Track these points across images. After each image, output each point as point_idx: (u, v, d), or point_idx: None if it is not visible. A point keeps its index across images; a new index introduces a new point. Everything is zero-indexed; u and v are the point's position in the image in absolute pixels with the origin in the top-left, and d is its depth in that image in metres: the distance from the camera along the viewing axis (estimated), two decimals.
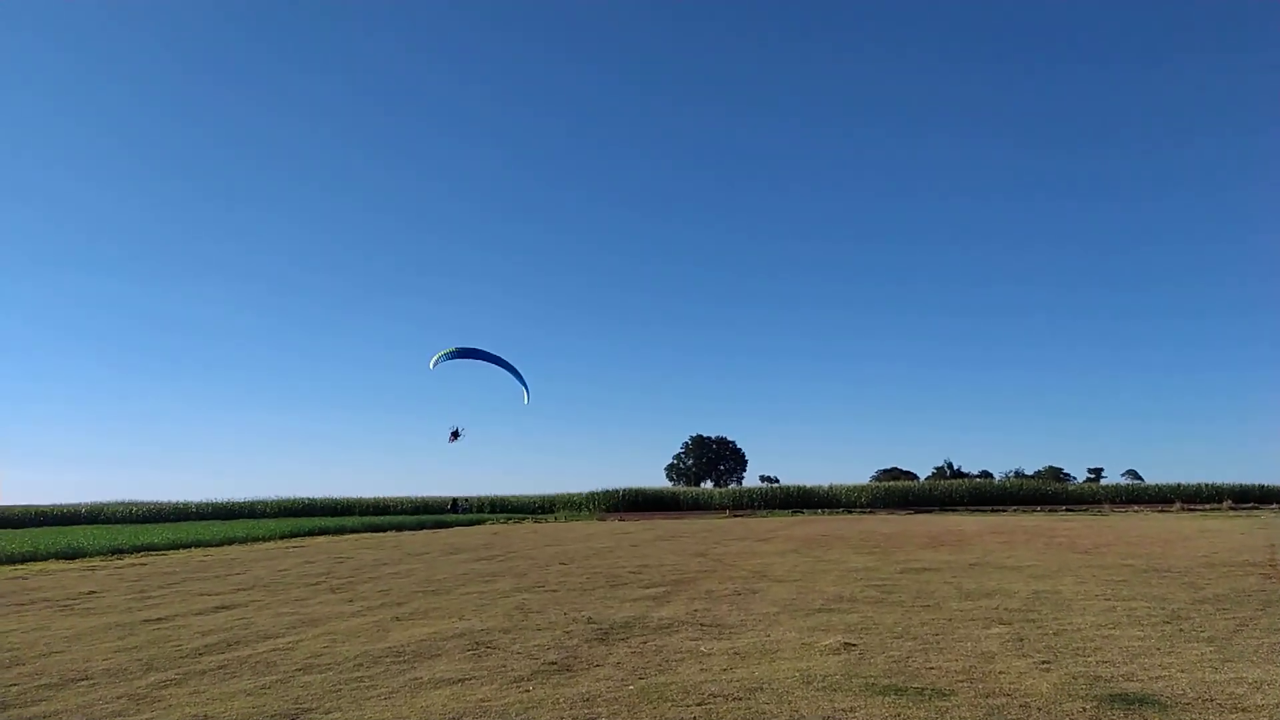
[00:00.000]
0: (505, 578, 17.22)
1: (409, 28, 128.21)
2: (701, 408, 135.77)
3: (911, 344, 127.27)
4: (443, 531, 40.59)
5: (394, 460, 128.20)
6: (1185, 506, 54.22)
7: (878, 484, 75.87)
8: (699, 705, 6.94)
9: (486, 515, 60.66)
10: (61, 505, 74.46)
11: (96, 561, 23.89)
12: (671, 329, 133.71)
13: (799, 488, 70.88)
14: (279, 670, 8.65)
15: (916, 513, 53.99)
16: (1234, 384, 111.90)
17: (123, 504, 74.12)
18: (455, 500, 72.25)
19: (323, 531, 38.46)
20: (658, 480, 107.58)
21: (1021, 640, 9.39)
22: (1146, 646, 8.94)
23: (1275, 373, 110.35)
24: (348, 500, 75.29)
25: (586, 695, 7.34)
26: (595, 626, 10.84)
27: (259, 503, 73.29)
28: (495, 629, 10.85)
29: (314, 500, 74.50)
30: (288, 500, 74.06)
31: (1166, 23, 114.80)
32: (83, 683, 8.32)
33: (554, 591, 14.71)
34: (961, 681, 7.52)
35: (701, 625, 10.82)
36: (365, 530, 40.97)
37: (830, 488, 69.83)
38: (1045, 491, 68.21)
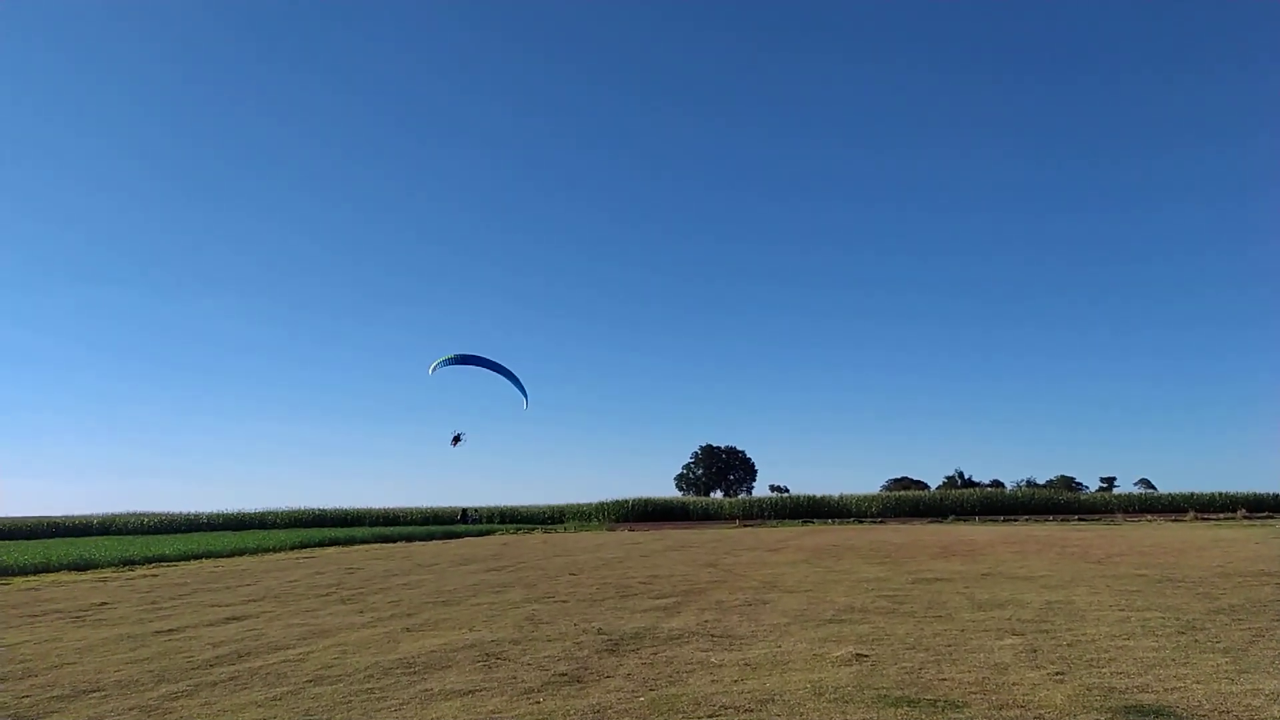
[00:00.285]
0: (515, 588, 17.20)
1: (412, 40, 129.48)
2: (711, 417, 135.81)
3: (922, 353, 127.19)
4: (453, 542, 40.60)
5: (404, 471, 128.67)
6: (1199, 516, 53.82)
7: (888, 494, 75.40)
8: (710, 717, 6.91)
9: (496, 526, 60.67)
10: (73, 516, 74.82)
11: (108, 573, 23.97)
12: (681, 339, 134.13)
13: (809, 497, 70.68)
14: (290, 682, 8.66)
15: (928, 523, 53.72)
16: (1247, 392, 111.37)
17: (134, 515, 74.45)
18: (465, 511, 72.23)
19: (333, 542, 38.53)
20: (667, 490, 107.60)
21: (1035, 651, 9.32)
22: (1161, 657, 8.86)
23: None
24: (358, 511, 75.45)
25: (597, 707, 7.32)
26: (606, 637, 10.82)
27: (270, 514, 73.52)
28: (505, 640, 10.83)
29: (324, 511, 74.68)
30: (298, 511, 74.25)
31: (1173, 31, 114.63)
32: (94, 694, 8.34)
33: (564, 602, 14.69)
34: (974, 693, 7.46)
35: (712, 636, 10.77)
36: (375, 541, 41.00)
37: (840, 497, 69.65)
38: (1057, 501, 67.79)
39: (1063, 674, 8.16)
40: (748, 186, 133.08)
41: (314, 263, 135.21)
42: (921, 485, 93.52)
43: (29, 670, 9.63)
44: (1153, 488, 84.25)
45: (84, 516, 74.77)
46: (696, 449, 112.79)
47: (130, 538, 51.91)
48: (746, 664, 8.95)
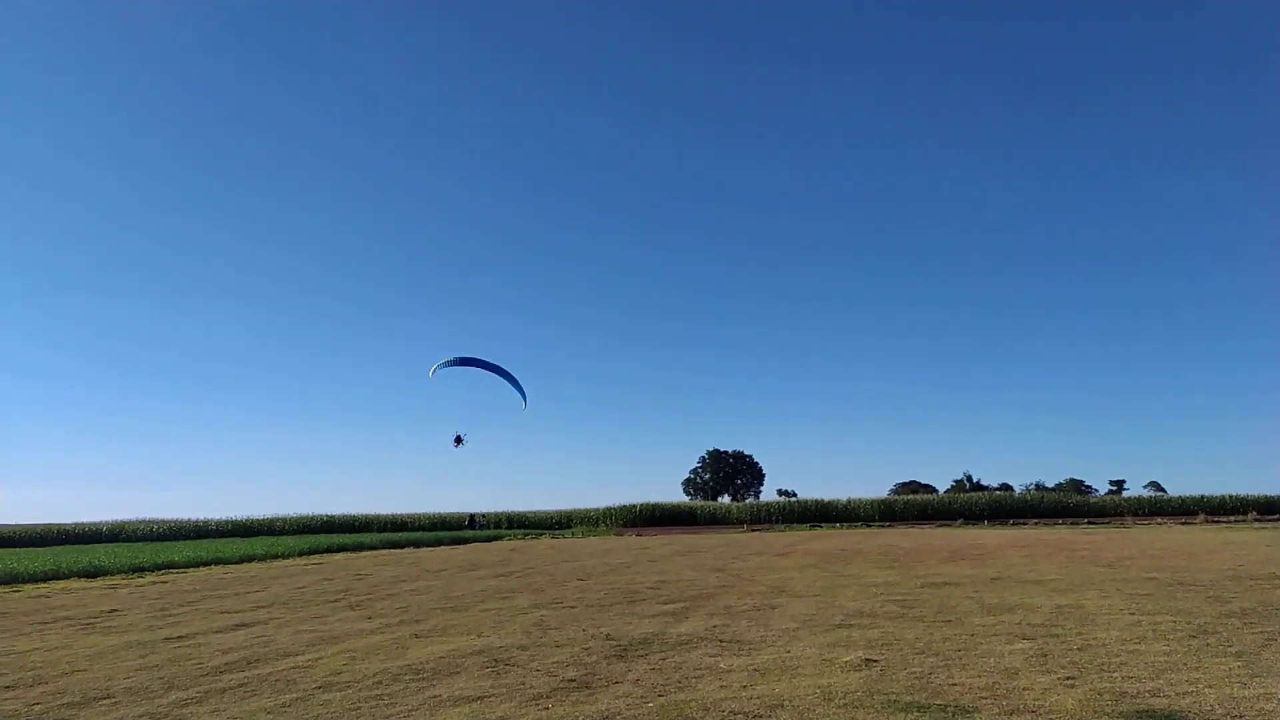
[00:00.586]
0: (523, 594, 17.20)
1: (412, 62, 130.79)
2: (718, 422, 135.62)
3: (930, 357, 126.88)
4: (460, 548, 40.61)
5: (411, 477, 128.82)
6: (1209, 519, 53.44)
7: (896, 497, 75.23)
8: None
9: (504, 531, 60.66)
10: (83, 524, 75.06)
11: (118, 579, 24.05)
12: (688, 345, 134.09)
13: (817, 502, 70.47)
14: (299, 688, 8.67)
15: (936, 526, 53.53)
16: (1257, 394, 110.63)
17: (143, 522, 74.65)
18: (473, 516, 72.30)
19: (341, 548, 38.58)
20: (675, 495, 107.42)
21: (1045, 656, 9.27)
22: (1173, 662, 8.81)
23: None
24: (366, 517, 75.53)
25: (605, 713, 7.31)
26: (614, 643, 10.80)
27: (278, 520, 73.63)
28: (514, 646, 10.83)
29: (332, 517, 74.79)
30: (306, 517, 74.38)
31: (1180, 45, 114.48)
32: (104, 701, 8.37)
33: (572, 608, 14.68)
34: (985, 698, 7.43)
35: (721, 641, 10.75)
36: (383, 547, 41.06)
37: (848, 501, 69.44)
38: (1066, 504, 67.42)
39: (1074, 678, 8.12)
40: (752, 203, 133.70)
41: (322, 275, 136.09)
42: (930, 489, 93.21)
43: (39, 678, 9.66)
44: (1163, 490, 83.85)
45: (93, 524, 75.00)
46: (704, 454, 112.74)
47: (139, 545, 52.08)
48: (755, 669, 8.92)
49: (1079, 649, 9.62)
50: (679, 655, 9.87)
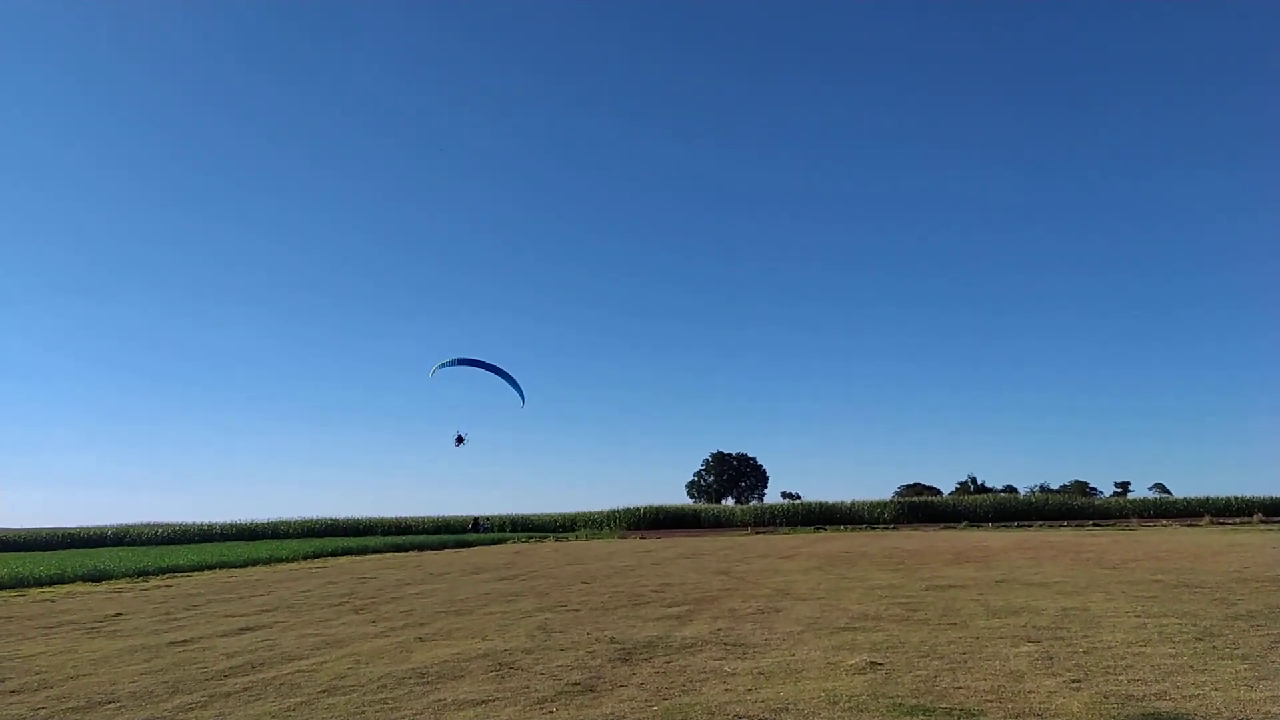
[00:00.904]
0: (527, 597, 17.19)
1: (413, 62, 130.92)
2: (722, 425, 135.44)
3: (934, 359, 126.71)
4: (464, 551, 40.63)
5: (415, 480, 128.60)
6: (1214, 520, 53.25)
7: (900, 500, 75.10)
8: None
9: (508, 534, 60.66)
10: (87, 528, 75.26)
11: (122, 584, 24.09)
12: (691, 347, 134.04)
13: (821, 504, 70.34)
14: (303, 692, 8.68)
15: (941, 529, 53.42)
16: (1262, 395, 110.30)
17: (148, 526, 74.81)
18: (477, 519, 72.27)
19: (345, 552, 38.59)
20: (679, 498, 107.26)
21: (1051, 658, 9.25)
22: (1179, 664, 8.78)
23: None
24: (370, 520, 75.41)
25: (610, 716, 7.31)
26: (618, 646, 10.80)
27: (282, 523, 73.65)
28: (518, 649, 10.83)
29: (336, 521, 74.73)
30: (310, 521, 74.34)
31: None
32: (109, 705, 8.37)
33: (576, 611, 14.67)
34: (990, 701, 7.41)
35: (725, 644, 10.74)
36: (387, 550, 41.07)
37: (852, 504, 69.28)
38: (1071, 506, 67.25)
39: (1079, 681, 8.10)
40: (756, 204, 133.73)
41: (324, 276, 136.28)
42: (934, 491, 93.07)
43: (45, 682, 9.68)
44: (1168, 492, 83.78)
45: (98, 527, 75.21)
46: (708, 456, 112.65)
47: (144, 548, 52.19)
48: (760, 673, 8.91)
49: (1084, 652, 9.60)
50: (683, 658, 9.86)
